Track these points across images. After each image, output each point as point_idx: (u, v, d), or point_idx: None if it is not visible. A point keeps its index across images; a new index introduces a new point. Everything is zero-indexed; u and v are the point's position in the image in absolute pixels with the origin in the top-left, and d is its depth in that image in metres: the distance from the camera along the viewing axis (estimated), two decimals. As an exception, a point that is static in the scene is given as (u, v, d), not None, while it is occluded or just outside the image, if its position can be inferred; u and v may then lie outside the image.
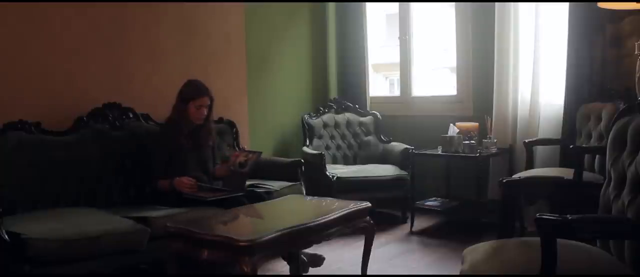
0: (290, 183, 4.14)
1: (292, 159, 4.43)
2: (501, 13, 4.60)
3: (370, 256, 3.27)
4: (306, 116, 5.22)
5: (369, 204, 3.29)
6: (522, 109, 4.60)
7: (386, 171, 4.75)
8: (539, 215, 1.73)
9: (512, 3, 4.55)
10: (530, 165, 4.22)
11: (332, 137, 5.33)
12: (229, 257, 2.63)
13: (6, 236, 2.70)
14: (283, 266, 3.63)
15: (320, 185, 4.49)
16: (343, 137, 5.37)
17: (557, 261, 1.72)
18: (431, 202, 4.73)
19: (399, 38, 5.54)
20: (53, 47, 3.74)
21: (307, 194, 4.14)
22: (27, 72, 3.62)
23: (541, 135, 4.46)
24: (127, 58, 4.11)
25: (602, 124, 3.87)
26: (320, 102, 5.54)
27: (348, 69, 5.72)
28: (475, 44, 4.95)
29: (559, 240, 1.74)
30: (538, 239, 1.76)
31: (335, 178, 4.54)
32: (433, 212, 4.75)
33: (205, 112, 3.75)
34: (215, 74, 4.66)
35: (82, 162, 3.64)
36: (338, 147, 5.32)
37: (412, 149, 4.80)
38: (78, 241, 2.85)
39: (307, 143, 5.11)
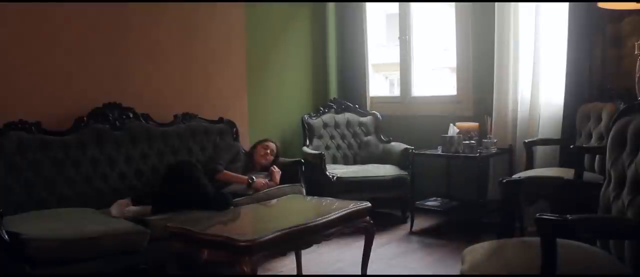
0: (290, 183, 4.13)
1: (292, 159, 4.42)
2: (501, 13, 4.60)
3: (370, 256, 3.27)
4: (306, 116, 5.22)
5: (369, 204, 3.29)
6: (522, 109, 4.60)
7: (386, 171, 4.75)
8: (539, 215, 1.73)
9: (512, 3, 4.55)
10: (530, 165, 4.22)
11: (332, 137, 5.32)
12: (229, 257, 2.64)
13: (6, 236, 2.70)
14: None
15: (320, 185, 4.49)
16: (343, 137, 5.37)
17: (557, 261, 1.72)
18: (431, 202, 4.73)
19: (399, 38, 5.53)
20: (53, 47, 3.74)
21: (307, 194, 4.14)
22: (27, 72, 3.62)
23: (541, 135, 4.46)
24: (127, 58, 4.11)
25: (602, 124, 3.86)
26: (320, 102, 5.54)
27: (348, 69, 5.72)
28: (475, 44, 4.94)
29: (559, 240, 1.74)
30: (538, 239, 1.76)
31: (335, 178, 4.53)
32: (433, 212, 4.74)
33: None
34: (215, 74, 4.67)
35: (82, 162, 3.65)
36: (338, 147, 5.32)
37: (412, 149, 4.79)
38: (78, 241, 2.85)
39: (307, 143, 5.11)
